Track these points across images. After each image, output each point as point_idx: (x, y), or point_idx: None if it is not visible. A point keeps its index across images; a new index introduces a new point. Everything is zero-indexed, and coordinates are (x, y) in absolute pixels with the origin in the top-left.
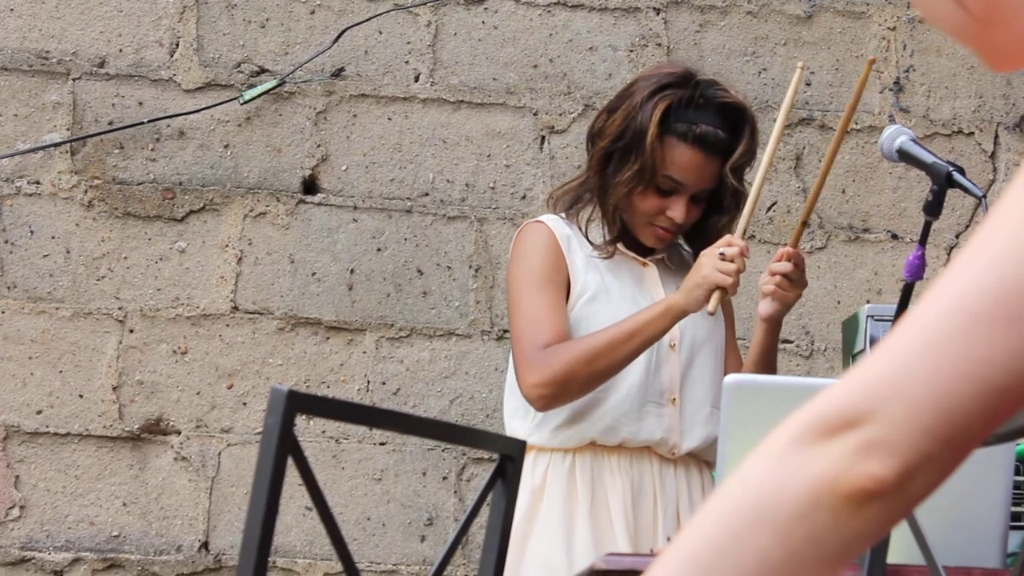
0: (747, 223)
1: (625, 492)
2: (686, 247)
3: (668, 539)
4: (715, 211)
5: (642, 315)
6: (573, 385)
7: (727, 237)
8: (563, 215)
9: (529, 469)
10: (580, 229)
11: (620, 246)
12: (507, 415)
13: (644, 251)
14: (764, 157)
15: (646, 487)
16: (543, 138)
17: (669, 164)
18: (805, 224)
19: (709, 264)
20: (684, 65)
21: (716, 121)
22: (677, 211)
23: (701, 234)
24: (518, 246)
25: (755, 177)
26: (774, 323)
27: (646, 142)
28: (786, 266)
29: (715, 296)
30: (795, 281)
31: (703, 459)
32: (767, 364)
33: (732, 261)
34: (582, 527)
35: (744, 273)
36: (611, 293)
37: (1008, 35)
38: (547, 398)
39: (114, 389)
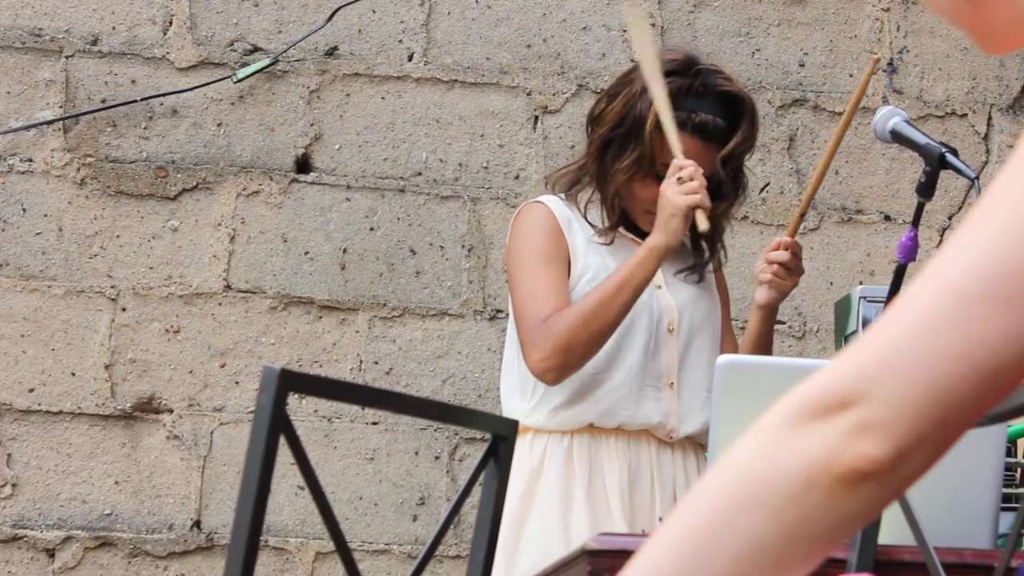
0: (675, 139)
1: (622, 474)
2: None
3: (662, 521)
4: (714, 198)
5: (626, 266)
6: (576, 350)
7: (676, 162)
8: (562, 196)
9: (527, 450)
10: (579, 210)
11: (620, 228)
12: (504, 395)
13: (644, 232)
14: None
15: (643, 470)
16: (536, 118)
17: (668, 152)
18: (803, 216)
19: (673, 192)
20: (686, 51)
21: (716, 109)
22: None
23: None
24: (518, 226)
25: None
26: (770, 310)
27: (645, 130)
28: (784, 255)
29: (699, 215)
30: (792, 270)
31: (700, 443)
32: (763, 350)
33: (692, 179)
34: (579, 508)
35: (739, 255)
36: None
37: (1001, 17)
38: (554, 370)
39: (106, 367)
